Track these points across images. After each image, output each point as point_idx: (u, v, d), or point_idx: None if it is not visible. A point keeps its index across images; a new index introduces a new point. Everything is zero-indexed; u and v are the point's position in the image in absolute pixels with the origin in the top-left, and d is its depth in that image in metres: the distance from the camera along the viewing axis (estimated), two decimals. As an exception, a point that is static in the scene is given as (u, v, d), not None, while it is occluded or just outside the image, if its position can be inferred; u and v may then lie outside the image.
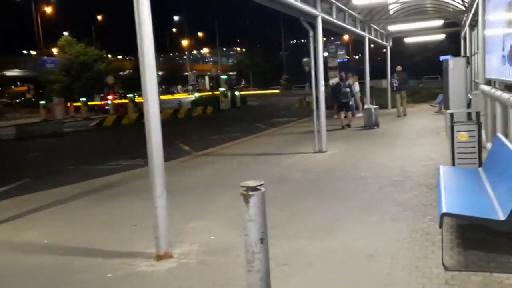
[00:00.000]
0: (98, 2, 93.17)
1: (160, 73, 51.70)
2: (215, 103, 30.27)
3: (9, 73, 51.90)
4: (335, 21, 11.80)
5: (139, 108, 27.44)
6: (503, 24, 5.54)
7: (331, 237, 4.63)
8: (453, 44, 39.12)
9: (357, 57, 67.10)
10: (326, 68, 21.28)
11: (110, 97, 35.54)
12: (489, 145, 7.67)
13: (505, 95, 5.26)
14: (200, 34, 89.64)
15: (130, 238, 5.10)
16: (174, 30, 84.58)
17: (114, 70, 48.00)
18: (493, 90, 6.77)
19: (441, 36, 26.89)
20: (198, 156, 10.89)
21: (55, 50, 49.23)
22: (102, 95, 42.75)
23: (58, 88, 40.73)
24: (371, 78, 17.79)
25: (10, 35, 67.56)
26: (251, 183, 2.64)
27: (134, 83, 29.20)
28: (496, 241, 4.08)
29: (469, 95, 10.39)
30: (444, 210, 3.65)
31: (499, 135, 5.20)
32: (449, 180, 4.75)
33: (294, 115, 21.85)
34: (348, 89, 14.46)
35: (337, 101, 14.83)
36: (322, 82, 10.08)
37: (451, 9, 17.67)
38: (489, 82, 8.20)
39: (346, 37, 56.93)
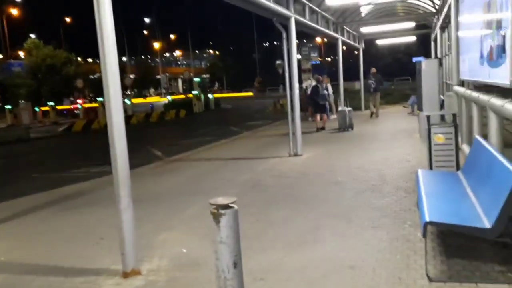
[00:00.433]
0: (66, 4, 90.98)
1: (132, 76, 50.88)
2: (188, 106, 29.87)
3: (-27, 77, 50.10)
4: (308, 22, 11.69)
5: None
6: (480, 25, 5.44)
7: (309, 248, 4.40)
8: (422, 46, 39.85)
9: (329, 59, 67.85)
10: (300, 71, 21.20)
11: (79, 101, 34.64)
12: (464, 147, 7.62)
13: (484, 97, 5.15)
14: (172, 36, 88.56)
15: (95, 253, 4.75)
16: (145, 32, 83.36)
17: (83, 73, 47.09)
18: (469, 92, 6.70)
19: (412, 38, 27.29)
20: (170, 161, 10.51)
21: (21, 53, 47.86)
22: (71, 99, 41.73)
23: (25, 92, 39.64)
24: (344, 80, 17.77)
25: (-26, 38, 65.13)
26: (221, 200, 2.33)
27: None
28: (478, 248, 3.95)
29: (441, 96, 10.39)
30: (427, 219, 3.47)
31: (478, 137, 5.08)
32: (429, 185, 4.60)
33: (268, 118, 21.66)
34: (326, 91, 14.84)
35: (313, 103, 14.87)
36: (296, 85, 9.91)
37: (421, 11, 17.85)
38: (462, 84, 8.16)
39: (318, 39, 57.54)
